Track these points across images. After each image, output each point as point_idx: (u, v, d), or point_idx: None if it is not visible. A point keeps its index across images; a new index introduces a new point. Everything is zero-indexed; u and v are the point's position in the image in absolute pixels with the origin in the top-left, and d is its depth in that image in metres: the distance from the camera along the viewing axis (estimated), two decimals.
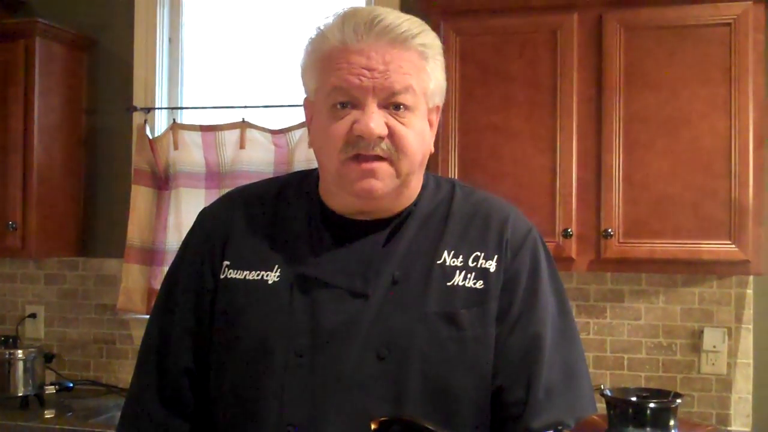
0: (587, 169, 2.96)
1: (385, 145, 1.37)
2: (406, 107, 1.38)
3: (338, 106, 1.38)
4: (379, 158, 1.37)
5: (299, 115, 3.54)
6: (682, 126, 2.88)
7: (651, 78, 2.91)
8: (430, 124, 1.47)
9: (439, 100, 1.47)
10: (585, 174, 2.96)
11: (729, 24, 2.84)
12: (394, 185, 1.41)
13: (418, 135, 1.41)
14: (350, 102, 1.37)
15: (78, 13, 3.85)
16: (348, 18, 1.39)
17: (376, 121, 1.35)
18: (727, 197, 2.84)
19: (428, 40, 1.41)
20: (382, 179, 1.38)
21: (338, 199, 1.46)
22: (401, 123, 1.38)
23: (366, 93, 1.36)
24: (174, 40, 3.84)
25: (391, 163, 1.38)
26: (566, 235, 2.93)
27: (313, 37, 1.44)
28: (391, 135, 1.37)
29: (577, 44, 2.96)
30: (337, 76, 1.37)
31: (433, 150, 1.49)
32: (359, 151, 1.37)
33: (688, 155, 2.88)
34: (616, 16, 2.93)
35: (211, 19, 3.87)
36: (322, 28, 1.42)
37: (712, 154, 2.86)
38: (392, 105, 1.37)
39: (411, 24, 1.39)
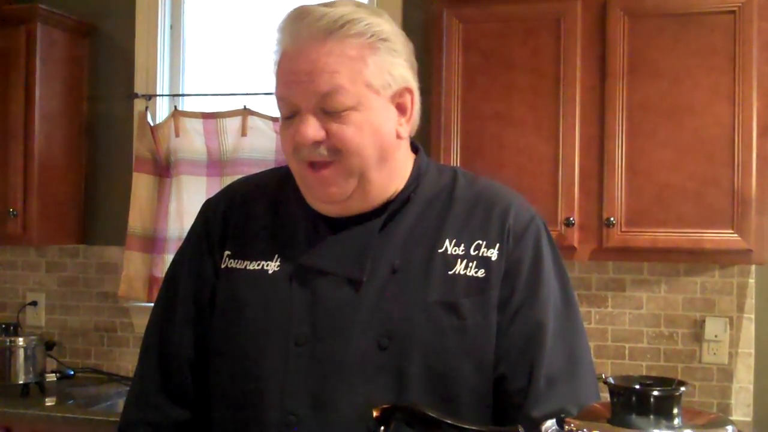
0: (590, 157, 2.95)
1: (323, 149, 1.36)
2: (344, 108, 1.34)
3: (285, 119, 1.39)
4: (327, 163, 1.37)
5: None
6: (685, 115, 2.87)
7: (654, 66, 2.89)
8: (402, 109, 1.42)
9: (399, 84, 1.40)
10: (587, 162, 2.95)
11: (734, 12, 2.82)
12: (352, 186, 1.39)
13: (368, 130, 1.37)
14: (291, 113, 1.37)
15: None
16: (284, 20, 1.39)
17: (307, 127, 1.34)
18: (729, 186, 2.83)
19: (362, 27, 1.35)
20: (335, 184, 1.38)
21: (313, 204, 1.45)
22: (342, 123, 1.35)
23: (298, 101, 1.36)
24: (175, 27, 3.83)
25: (338, 165, 1.37)
26: (568, 223, 2.92)
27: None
28: (329, 137, 1.35)
29: (581, 32, 2.95)
30: (277, 87, 1.39)
31: (404, 136, 1.44)
32: (304, 158, 1.37)
33: (691, 144, 2.87)
34: (620, 4, 2.91)
35: (212, 6, 3.85)
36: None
37: (715, 143, 2.85)
38: (325, 109, 1.35)
39: (343, 12, 1.34)
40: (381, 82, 1.37)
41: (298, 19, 1.35)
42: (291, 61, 1.35)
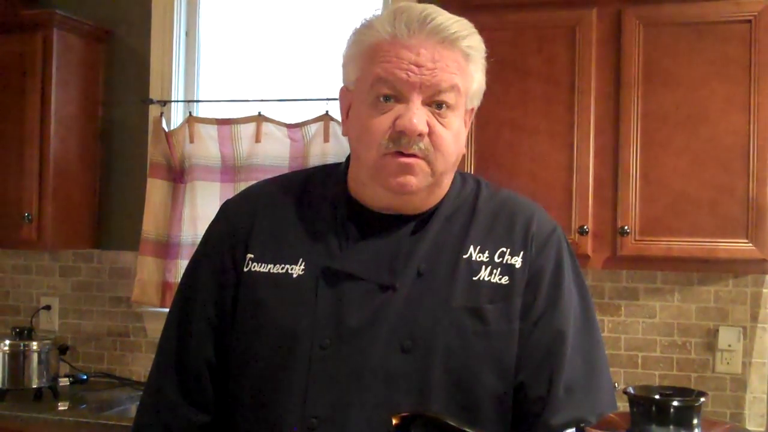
0: (604, 166, 2.94)
1: (423, 144, 1.38)
2: (449, 106, 1.39)
3: (382, 99, 1.39)
4: (418, 156, 1.38)
5: (315, 109, 3.54)
6: (700, 123, 2.87)
7: (670, 75, 2.89)
8: (465, 124, 1.47)
9: (476, 102, 1.48)
10: (602, 171, 2.95)
11: (749, 21, 2.82)
12: (428, 183, 1.41)
13: (455, 135, 1.42)
14: (394, 96, 1.38)
15: (95, 5, 3.86)
16: (400, 13, 1.40)
17: (419, 117, 1.36)
18: (744, 196, 2.82)
19: (475, 43, 1.43)
20: (417, 175, 1.39)
21: (369, 192, 1.47)
22: (441, 123, 1.39)
23: (412, 88, 1.37)
24: (191, 33, 3.84)
25: (428, 161, 1.39)
26: (582, 232, 2.92)
27: (360, 27, 1.45)
28: (431, 133, 1.38)
29: (596, 40, 2.95)
30: (383, 68, 1.38)
31: (464, 151, 1.49)
32: (399, 148, 1.37)
33: (706, 153, 2.86)
34: (635, 12, 2.91)
35: (228, 12, 3.87)
36: (370, 19, 1.43)
37: (730, 152, 2.84)
38: (435, 103, 1.38)
39: (461, 26, 1.41)
40: (472, 95, 1.45)
41: (422, 20, 1.38)
42: (409, 50, 1.37)
